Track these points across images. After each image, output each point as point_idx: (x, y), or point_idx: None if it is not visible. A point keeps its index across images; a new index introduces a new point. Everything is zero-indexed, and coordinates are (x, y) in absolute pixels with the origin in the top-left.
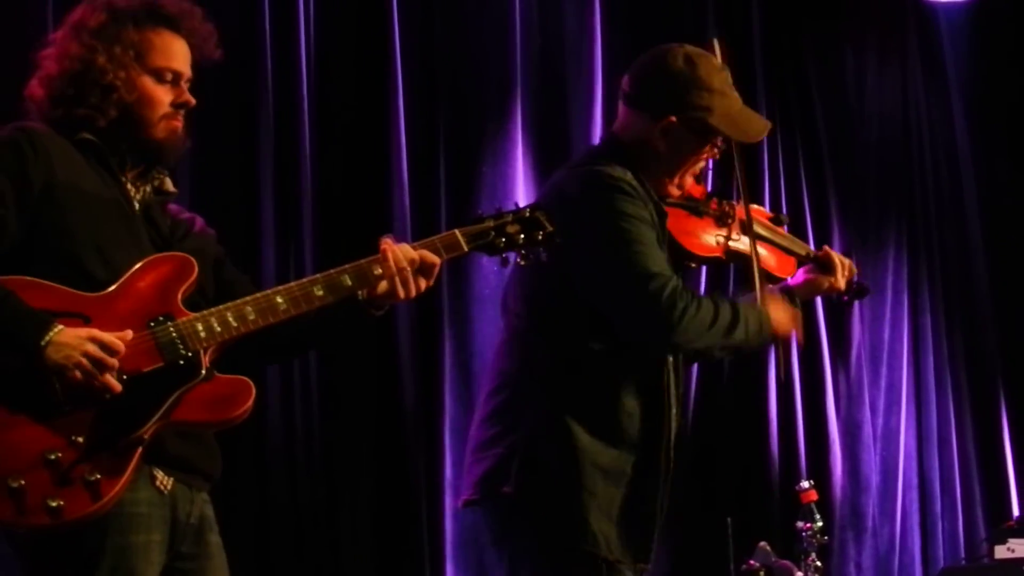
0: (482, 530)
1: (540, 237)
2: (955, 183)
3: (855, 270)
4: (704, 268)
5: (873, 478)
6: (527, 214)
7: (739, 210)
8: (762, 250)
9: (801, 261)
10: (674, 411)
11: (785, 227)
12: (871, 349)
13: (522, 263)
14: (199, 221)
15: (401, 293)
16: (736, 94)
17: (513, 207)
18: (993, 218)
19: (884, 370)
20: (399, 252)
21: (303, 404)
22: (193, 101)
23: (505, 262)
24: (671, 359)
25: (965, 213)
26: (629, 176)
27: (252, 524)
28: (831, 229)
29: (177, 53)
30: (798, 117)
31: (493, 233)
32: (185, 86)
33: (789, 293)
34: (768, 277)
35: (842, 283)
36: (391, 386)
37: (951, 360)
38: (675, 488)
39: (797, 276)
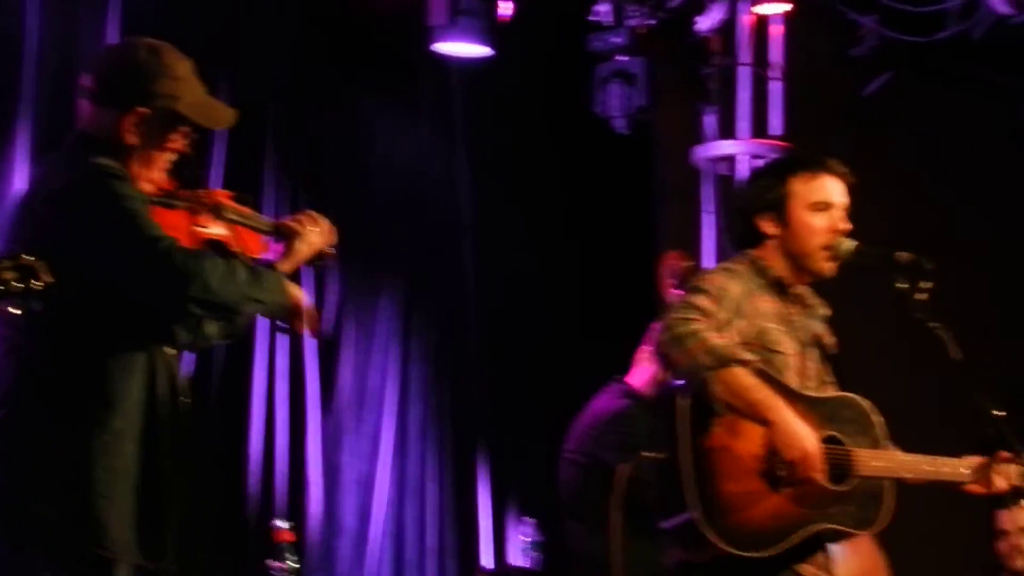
0: None
1: (38, 287)
2: (454, 237)
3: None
4: None
5: (349, 522)
6: (21, 261)
7: (206, 196)
8: (228, 231)
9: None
10: (170, 407)
11: (248, 206)
12: (358, 394)
13: (15, 312)
14: None
15: None
16: (200, 83)
17: (8, 252)
18: (488, 275)
19: (370, 416)
20: None
21: None
22: None
23: None
24: (161, 354)
25: (463, 268)
26: (119, 166)
27: None
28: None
29: None
30: (303, 163)
31: None
32: None
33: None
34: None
35: (319, 241)
36: None
37: (437, 412)
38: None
39: (273, 252)
